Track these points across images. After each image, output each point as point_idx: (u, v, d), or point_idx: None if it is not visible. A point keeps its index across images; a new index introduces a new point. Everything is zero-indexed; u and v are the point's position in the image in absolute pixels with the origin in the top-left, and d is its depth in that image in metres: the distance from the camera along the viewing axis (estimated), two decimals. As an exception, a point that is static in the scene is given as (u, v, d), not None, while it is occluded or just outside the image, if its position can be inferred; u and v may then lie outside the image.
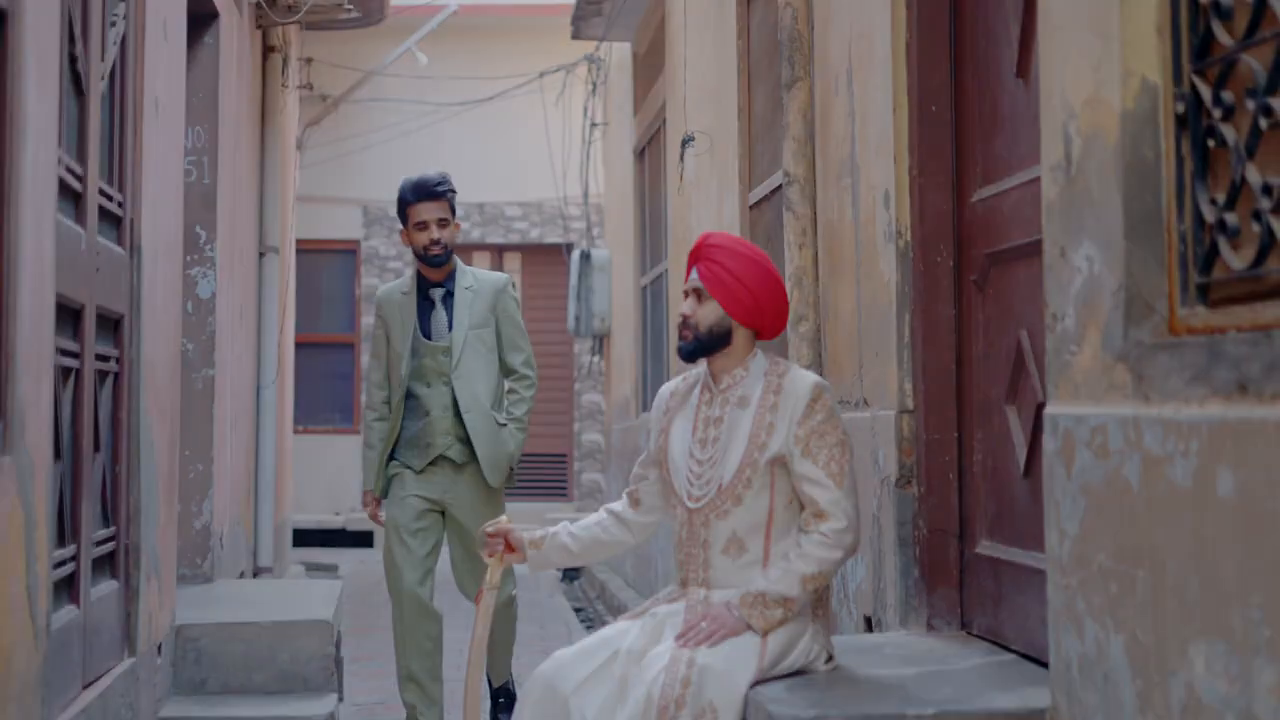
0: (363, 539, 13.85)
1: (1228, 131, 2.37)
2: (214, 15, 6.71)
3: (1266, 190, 2.24)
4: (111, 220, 4.30)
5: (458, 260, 5.50)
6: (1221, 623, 2.22)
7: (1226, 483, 2.20)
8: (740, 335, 3.53)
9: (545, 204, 14.75)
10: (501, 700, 5.60)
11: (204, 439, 6.60)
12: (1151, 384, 2.48)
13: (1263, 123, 2.25)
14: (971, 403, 3.96)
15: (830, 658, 3.49)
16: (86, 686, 3.92)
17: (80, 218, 3.85)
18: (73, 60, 3.75)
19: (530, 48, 14.16)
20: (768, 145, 5.96)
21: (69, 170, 3.69)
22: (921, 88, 4.08)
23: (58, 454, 3.61)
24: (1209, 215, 2.43)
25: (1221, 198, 2.40)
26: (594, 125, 12.66)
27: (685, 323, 3.55)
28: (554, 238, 14.85)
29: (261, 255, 8.94)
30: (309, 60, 13.08)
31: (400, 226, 5.49)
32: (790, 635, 3.39)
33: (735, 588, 3.42)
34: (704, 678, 3.22)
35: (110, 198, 4.24)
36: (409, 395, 5.39)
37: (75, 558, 3.81)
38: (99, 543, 4.14)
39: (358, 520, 13.96)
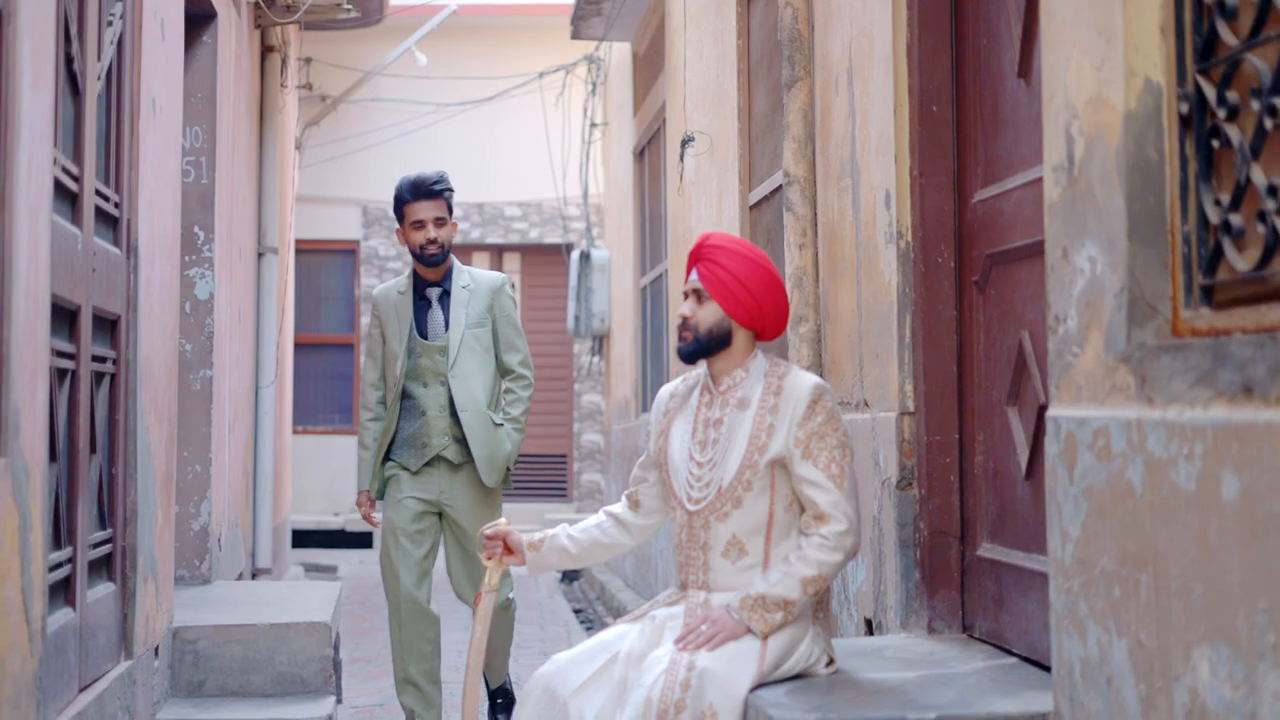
0: (362, 540, 13.84)
1: (1232, 132, 2.35)
2: (212, 15, 6.69)
3: (1271, 191, 2.22)
4: (108, 221, 4.28)
5: (454, 259, 5.48)
6: (1226, 627, 2.20)
7: (1231, 486, 2.18)
8: (740, 336, 3.51)
9: (545, 204, 14.74)
10: (500, 701, 5.58)
11: (202, 440, 6.59)
12: (1155, 386, 2.46)
13: (1268, 123, 2.24)
14: (973, 404, 3.95)
15: (831, 661, 3.48)
16: (83, 689, 3.90)
17: (76, 218, 3.83)
18: (69, 60, 3.73)
19: (530, 48, 14.15)
20: (768, 145, 5.94)
21: (65, 171, 3.67)
22: (923, 87, 4.07)
23: (53, 456, 3.59)
24: (1213, 216, 2.42)
25: (1226, 198, 2.38)
26: (594, 125, 12.65)
27: (685, 324, 3.53)
28: (553, 238, 14.84)
29: (260, 256, 8.92)
30: (308, 60, 13.08)
31: (397, 225, 5.48)
32: (790, 638, 3.37)
33: (735, 590, 3.40)
34: (704, 681, 3.20)
35: (107, 198, 4.22)
36: (405, 395, 5.37)
37: (71, 560, 3.79)
38: (95, 545, 4.12)
39: (357, 521, 13.94)
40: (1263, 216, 2.25)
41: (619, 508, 3.73)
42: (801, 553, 3.36)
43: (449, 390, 5.32)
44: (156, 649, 4.90)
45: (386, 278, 14.48)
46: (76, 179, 3.81)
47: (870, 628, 4.32)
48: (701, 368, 3.62)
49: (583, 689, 3.36)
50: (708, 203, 7.11)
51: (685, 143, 7.44)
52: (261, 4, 8.43)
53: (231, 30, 7.24)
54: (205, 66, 6.70)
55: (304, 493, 14.14)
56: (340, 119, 14.44)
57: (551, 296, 14.82)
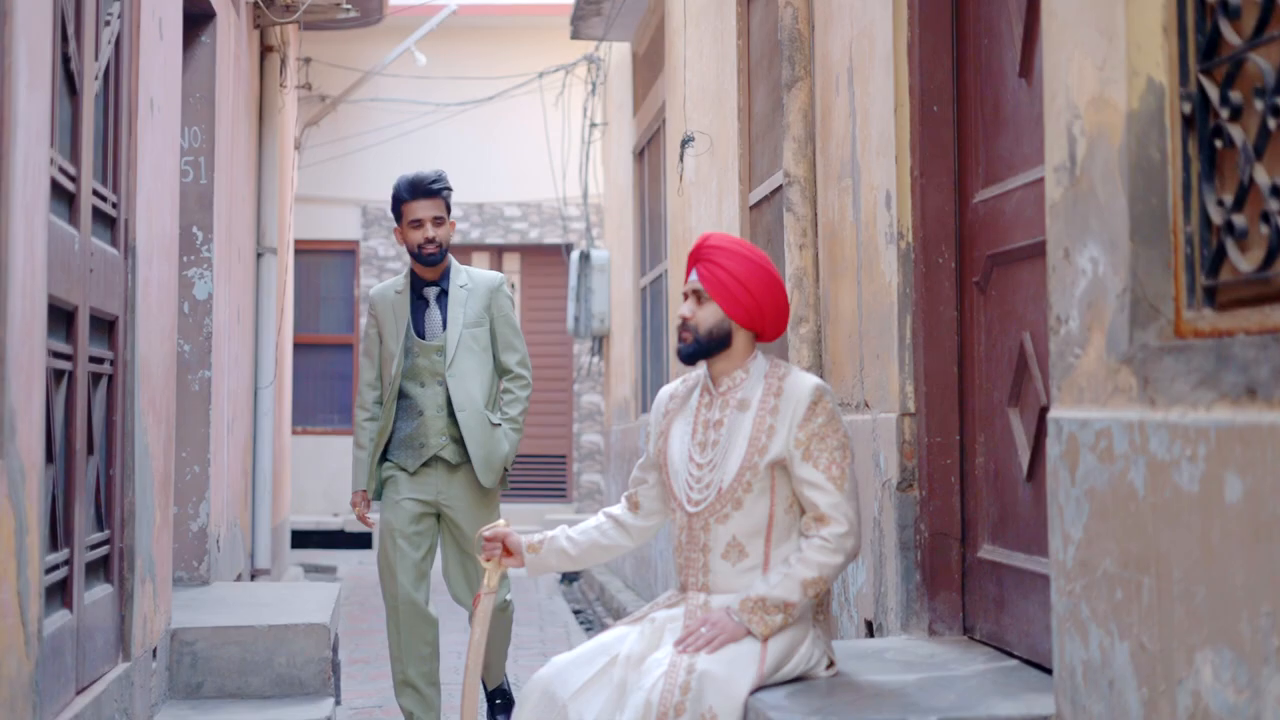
0: (361, 540, 13.83)
1: (1235, 132, 2.34)
2: (211, 15, 6.68)
3: (1275, 191, 2.21)
4: (105, 221, 4.27)
5: (452, 259, 5.47)
6: (1230, 630, 2.19)
7: (1235, 488, 2.17)
8: (740, 337, 3.50)
9: (544, 204, 14.73)
10: (498, 702, 5.56)
11: (201, 441, 6.58)
12: (1157, 387, 2.45)
13: (1271, 123, 2.22)
14: (974, 406, 3.93)
15: (831, 663, 3.46)
16: (80, 692, 3.89)
17: (73, 219, 3.81)
18: (65, 60, 3.71)
19: (529, 48, 14.14)
20: (768, 145, 5.93)
21: (62, 171, 3.66)
22: (923, 87, 4.05)
23: (50, 457, 3.57)
24: (1216, 217, 2.40)
25: (1229, 199, 2.37)
26: (593, 125, 12.63)
27: (685, 325, 3.51)
28: (553, 238, 14.83)
29: (259, 256, 8.91)
30: (307, 60, 13.06)
31: (395, 224, 5.46)
32: (791, 641, 3.35)
33: (735, 592, 3.39)
34: (703, 684, 3.19)
35: (104, 199, 4.21)
36: (402, 395, 5.35)
37: (68, 562, 3.78)
38: (93, 546, 4.11)
39: (356, 522, 13.92)
40: (1266, 217, 2.23)
41: (618, 509, 3.72)
42: (802, 555, 3.34)
43: (447, 390, 5.30)
44: (154, 651, 4.89)
45: (386, 278, 14.47)
46: (74, 179, 3.80)
47: (871, 630, 4.30)
48: (701, 369, 3.60)
49: (582, 691, 3.34)
50: (708, 203, 7.09)
51: (685, 143, 7.43)
52: (260, 4, 8.42)
53: (230, 30, 7.22)
54: (204, 66, 6.69)
55: (303, 493, 14.13)
56: (340, 119, 14.43)
57: (551, 297, 14.81)
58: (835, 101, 4.73)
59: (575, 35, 10.87)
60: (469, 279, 5.43)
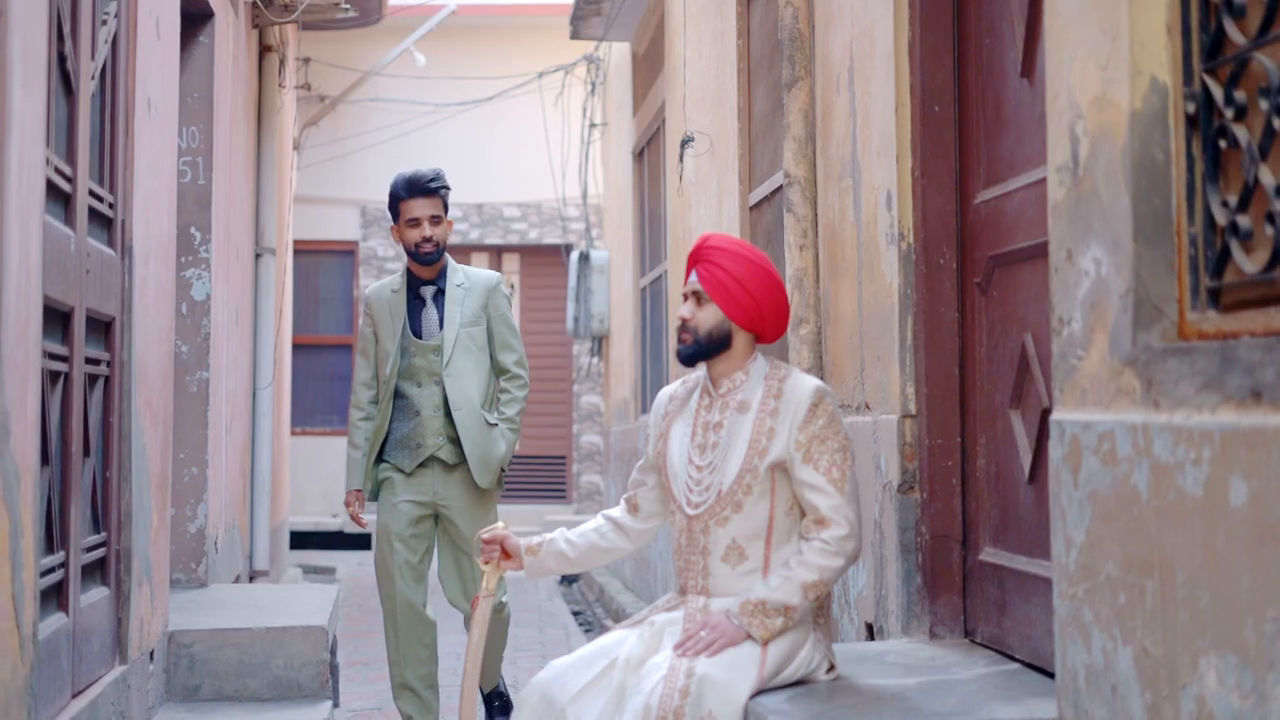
0: (360, 541, 13.81)
1: (1240, 132, 2.32)
2: (209, 15, 6.66)
3: (1280, 192, 2.19)
4: (102, 221, 4.25)
5: (449, 258, 5.44)
6: (1234, 635, 2.17)
7: (1240, 492, 2.15)
8: (740, 339, 3.48)
9: (544, 205, 14.72)
10: (497, 704, 5.54)
11: (199, 442, 6.56)
12: (1161, 390, 2.43)
13: (1276, 123, 2.20)
14: (975, 407, 3.91)
15: (831, 667, 3.44)
16: (76, 695, 3.87)
17: (70, 219, 3.79)
18: (61, 59, 3.69)
19: (529, 48, 14.13)
20: (768, 145, 5.91)
21: (58, 171, 3.64)
22: (924, 87, 4.03)
23: (46, 459, 3.55)
24: (1220, 217, 2.38)
25: (1233, 200, 2.35)
26: (593, 125, 12.61)
27: (684, 326, 3.49)
28: (553, 239, 14.81)
29: (258, 256, 8.89)
30: (306, 60, 13.04)
31: (392, 223, 5.43)
32: (791, 644, 3.34)
33: (735, 596, 3.37)
34: (703, 688, 3.17)
35: (101, 199, 4.19)
36: (399, 395, 5.33)
37: (64, 564, 3.76)
38: (89, 549, 4.09)
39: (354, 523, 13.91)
40: (1271, 218, 2.21)
41: (617, 512, 3.70)
42: (802, 557, 3.32)
43: (443, 390, 5.28)
44: (151, 653, 4.87)
45: (385, 279, 14.46)
46: (70, 179, 3.78)
47: (871, 633, 4.28)
48: (701, 370, 3.58)
49: (581, 695, 3.33)
50: (707, 203, 7.08)
51: (685, 143, 7.41)
52: (259, 3, 8.40)
53: (229, 30, 7.20)
54: (202, 66, 6.67)
55: (302, 494, 14.11)
56: (339, 119, 14.41)
57: (551, 297, 14.80)
58: (836, 101, 4.71)
59: (575, 35, 10.86)
60: (466, 278, 5.41)
